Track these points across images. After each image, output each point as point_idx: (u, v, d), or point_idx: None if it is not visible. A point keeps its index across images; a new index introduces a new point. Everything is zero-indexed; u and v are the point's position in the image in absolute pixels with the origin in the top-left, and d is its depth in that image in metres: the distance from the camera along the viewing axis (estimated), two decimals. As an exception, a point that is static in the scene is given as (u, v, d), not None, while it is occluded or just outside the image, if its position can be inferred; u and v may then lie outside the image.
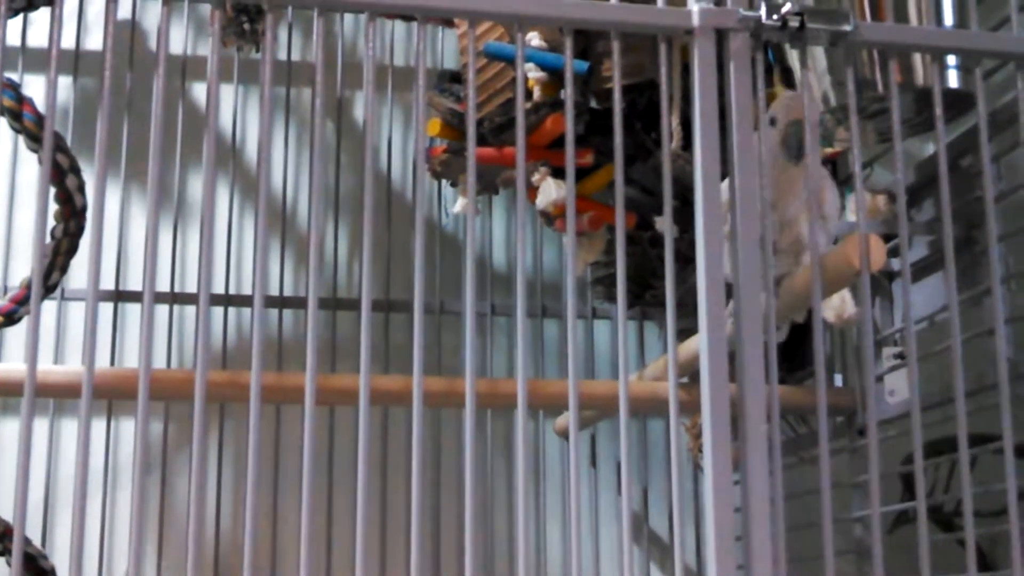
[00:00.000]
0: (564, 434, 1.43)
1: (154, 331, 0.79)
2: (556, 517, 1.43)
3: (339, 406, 1.37)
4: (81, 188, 1.14)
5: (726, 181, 0.84)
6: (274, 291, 1.43)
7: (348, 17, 1.51)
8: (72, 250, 1.16)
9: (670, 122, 0.87)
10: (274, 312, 1.42)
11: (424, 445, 0.77)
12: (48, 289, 1.21)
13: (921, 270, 1.16)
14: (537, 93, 1.15)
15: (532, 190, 1.19)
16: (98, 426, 1.35)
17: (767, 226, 0.83)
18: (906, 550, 1.00)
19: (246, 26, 1.27)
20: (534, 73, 1.15)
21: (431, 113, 1.25)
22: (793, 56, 1.09)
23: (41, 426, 1.35)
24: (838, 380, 1.29)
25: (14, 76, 1.36)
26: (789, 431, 1.32)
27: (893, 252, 1.12)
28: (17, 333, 1.34)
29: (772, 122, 0.94)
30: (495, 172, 1.25)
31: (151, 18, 1.48)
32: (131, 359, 1.40)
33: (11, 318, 1.16)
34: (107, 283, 1.39)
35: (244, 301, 1.42)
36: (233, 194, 1.44)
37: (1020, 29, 0.99)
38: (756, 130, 0.85)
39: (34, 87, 1.35)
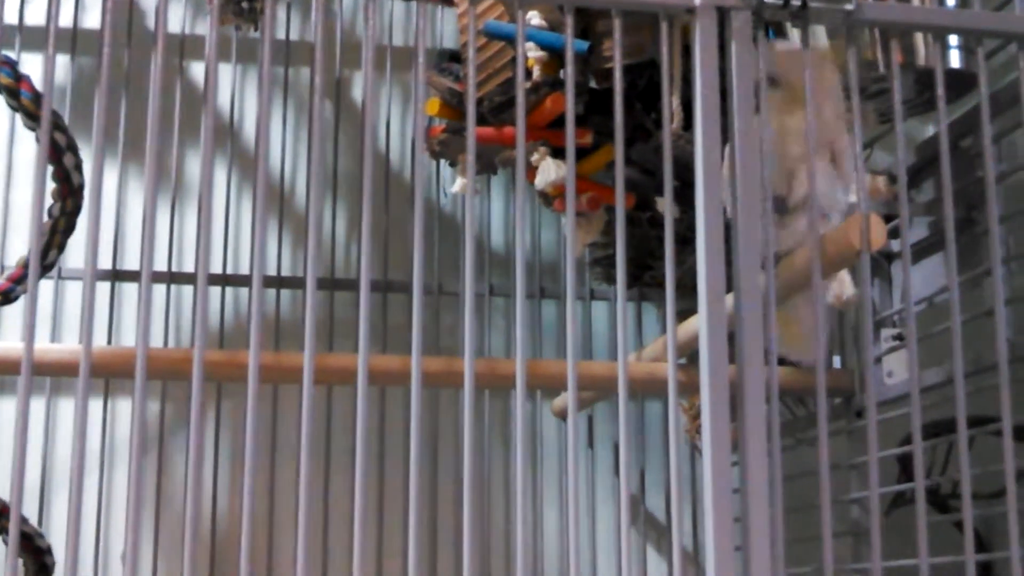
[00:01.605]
0: (562, 415, 1.43)
1: (151, 310, 0.79)
2: (553, 498, 1.43)
3: (337, 386, 1.37)
4: (79, 167, 1.14)
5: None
6: (272, 271, 1.43)
7: (347, -4, 1.51)
8: (69, 229, 1.15)
9: (671, 102, 0.87)
10: (272, 292, 1.42)
11: (422, 425, 0.77)
12: (45, 268, 1.21)
13: (920, 251, 1.15)
14: (537, 72, 1.15)
15: (531, 170, 1.19)
16: (95, 405, 1.35)
17: (768, 208, 0.83)
18: (902, 532, 1.00)
19: (244, 5, 1.27)
20: (534, 52, 1.14)
21: (430, 93, 1.24)
22: (795, 36, 1.08)
23: (38, 405, 1.35)
24: (836, 362, 1.29)
25: (11, 54, 1.35)
26: (787, 413, 1.32)
27: (892, 233, 1.12)
28: (14, 312, 1.34)
29: (772, 82, 0.92)
30: (494, 152, 1.25)
31: (149, -4, 1.47)
32: (128, 338, 1.40)
33: (8, 297, 1.15)
34: (104, 262, 1.38)
35: (242, 281, 1.42)
36: (231, 174, 1.44)
37: (1023, 9, 0.98)
38: (757, 112, 0.84)
39: (31, 65, 1.34)
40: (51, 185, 1.14)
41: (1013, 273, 1.08)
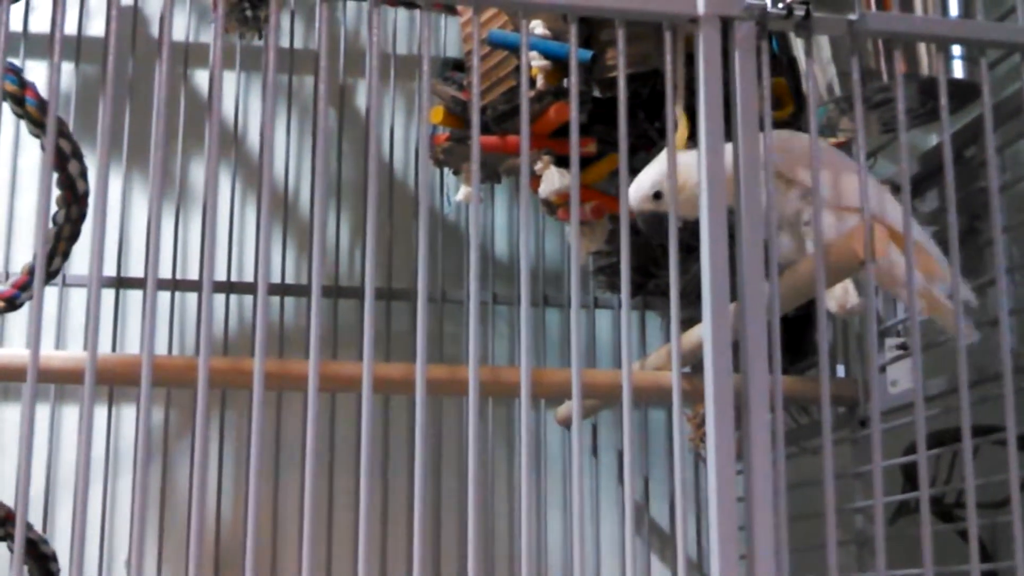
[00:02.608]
0: (565, 423, 1.43)
1: (156, 318, 0.79)
2: (557, 506, 1.43)
3: (340, 393, 1.37)
4: (83, 174, 1.14)
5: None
6: (275, 279, 1.43)
7: (351, 4, 1.51)
8: (74, 236, 1.16)
9: (674, 111, 0.87)
10: (275, 300, 1.42)
11: (426, 433, 0.77)
12: (50, 275, 1.21)
13: (924, 261, 1.15)
14: (540, 81, 1.15)
15: (535, 179, 1.19)
16: (99, 412, 1.35)
17: (772, 216, 0.83)
18: (906, 541, 1.00)
19: (248, 13, 1.27)
20: (537, 61, 1.14)
21: (434, 101, 1.25)
22: (798, 45, 1.09)
23: (42, 412, 1.35)
24: (840, 371, 1.29)
25: (16, 61, 1.36)
26: (790, 421, 1.32)
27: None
28: (19, 319, 1.34)
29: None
30: (497, 161, 1.25)
31: (153, 4, 1.47)
32: (132, 346, 1.40)
33: (13, 303, 1.15)
34: (109, 269, 1.39)
35: (246, 288, 1.42)
36: (235, 181, 1.44)
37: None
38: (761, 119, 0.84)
39: (36, 73, 1.35)
40: (56, 192, 1.14)
41: (1017, 283, 1.08)
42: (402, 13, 1.52)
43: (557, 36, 1.16)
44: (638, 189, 1.00)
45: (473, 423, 0.78)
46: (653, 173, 1.01)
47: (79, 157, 1.14)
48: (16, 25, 1.41)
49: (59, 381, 1.25)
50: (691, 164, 0.87)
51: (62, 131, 1.14)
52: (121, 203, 1.41)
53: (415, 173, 1.50)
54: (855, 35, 0.87)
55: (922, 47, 1.01)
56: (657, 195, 1.00)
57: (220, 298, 1.41)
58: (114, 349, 1.38)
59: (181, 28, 1.47)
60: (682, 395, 0.81)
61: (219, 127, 0.82)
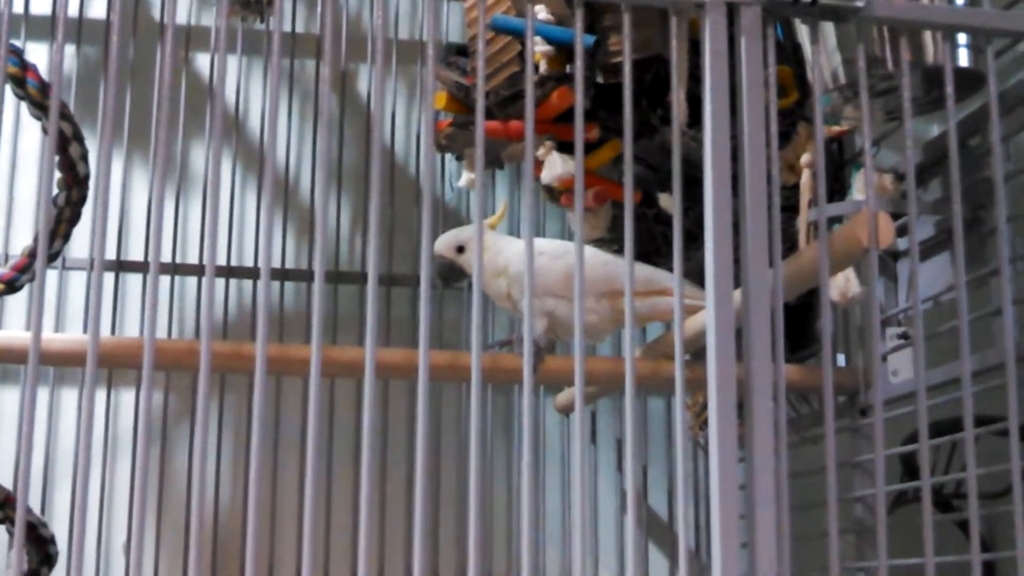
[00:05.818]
0: (565, 410, 1.43)
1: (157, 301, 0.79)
2: (555, 493, 1.43)
3: (340, 379, 1.36)
4: (84, 157, 1.13)
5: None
6: (276, 263, 1.42)
7: (353, -11, 1.51)
8: (74, 219, 1.15)
9: (680, 97, 0.87)
10: (276, 284, 1.42)
11: (427, 419, 0.77)
12: (50, 257, 1.21)
13: (927, 250, 1.15)
14: (544, 67, 1.14)
15: (537, 164, 1.18)
16: (98, 396, 1.35)
17: (775, 202, 0.83)
18: (905, 530, 1.00)
19: (251, -4, 1.27)
20: (541, 47, 1.14)
21: (437, 86, 1.24)
22: (803, 32, 1.08)
23: (41, 395, 1.34)
24: (841, 360, 1.29)
25: (18, 43, 1.35)
26: (791, 411, 1.32)
27: (898, 233, 1.12)
28: (18, 301, 1.34)
29: None
30: (500, 146, 1.25)
31: (155, -13, 1.47)
32: (132, 329, 1.39)
33: (13, 286, 1.15)
34: (109, 253, 1.38)
35: (246, 273, 1.42)
36: (236, 165, 1.43)
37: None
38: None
39: (37, 55, 1.34)
40: (57, 174, 1.13)
41: (1020, 273, 1.07)
42: (404, -2, 1.52)
43: (560, 21, 1.15)
44: (443, 241, 1.17)
45: (475, 409, 0.78)
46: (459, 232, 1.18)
47: (80, 139, 1.14)
48: (18, 7, 1.41)
49: (59, 364, 1.25)
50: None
51: (63, 113, 1.14)
52: (122, 186, 1.41)
53: (417, 158, 1.50)
54: (861, 22, 0.86)
55: (928, 35, 1.01)
56: (460, 249, 1.17)
57: (220, 282, 1.41)
58: (114, 332, 1.38)
59: (183, 11, 1.46)
60: (684, 383, 0.81)
61: (221, 111, 0.81)
